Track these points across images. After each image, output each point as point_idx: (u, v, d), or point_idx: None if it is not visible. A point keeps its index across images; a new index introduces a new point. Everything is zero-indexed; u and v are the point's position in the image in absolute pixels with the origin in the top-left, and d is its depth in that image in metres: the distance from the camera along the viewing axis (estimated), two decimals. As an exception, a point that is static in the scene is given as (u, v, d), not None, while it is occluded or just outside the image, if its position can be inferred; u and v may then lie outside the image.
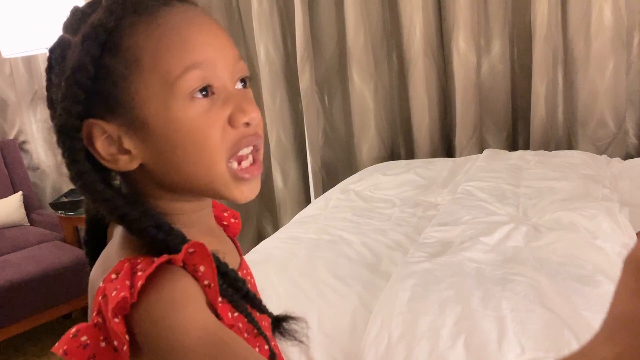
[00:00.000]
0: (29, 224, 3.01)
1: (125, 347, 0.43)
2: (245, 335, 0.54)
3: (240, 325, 0.53)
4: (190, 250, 0.47)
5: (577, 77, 2.29)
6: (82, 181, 0.50)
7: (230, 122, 0.51)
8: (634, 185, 1.83)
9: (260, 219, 3.06)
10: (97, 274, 0.52)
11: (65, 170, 0.52)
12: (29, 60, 3.09)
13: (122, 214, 0.49)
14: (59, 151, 0.51)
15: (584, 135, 2.32)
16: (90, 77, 0.49)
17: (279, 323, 0.62)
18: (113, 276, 0.46)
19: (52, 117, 0.52)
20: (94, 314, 0.46)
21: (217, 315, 0.49)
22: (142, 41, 0.49)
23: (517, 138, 2.53)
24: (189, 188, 0.53)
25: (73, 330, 0.45)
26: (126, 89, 0.49)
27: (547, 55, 2.25)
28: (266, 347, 0.57)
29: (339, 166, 2.82)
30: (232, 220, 0.68)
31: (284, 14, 2.71)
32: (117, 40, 0.49)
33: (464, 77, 2.40)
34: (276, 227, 2.87)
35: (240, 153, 0.52)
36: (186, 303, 0.45)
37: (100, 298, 0.45)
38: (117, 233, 0.54)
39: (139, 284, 0.44)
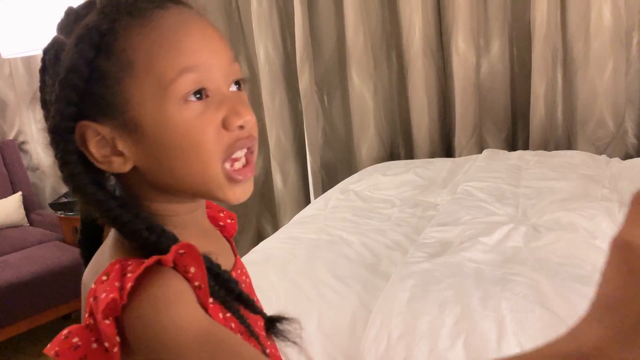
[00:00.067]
0: (28, 224, 3.01)
1: (115, 349, 0.43)
2: (238, 335, 0.54)
3: (233, 325, 0.53)
4: (181, 251, 0.47)
5: (576, 77, 2.29)
6: (74, 183, 0.50)
7: (224, 124, 0.51)
8: (634, 185, 1.83)
9: (260, 219, 3.06)
10: (90, 276, 0.52)
11: None
12: (28, 61, 3.09)
13: (114, 216, 0.49)
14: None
15: (583, 135, 2.32)
16: (83, 79, 0.48)
17: (273, 324, 0.62)
18: (104, 278, 0.46)
19: (46, 118, 0.52)
20: (86, 315, 0.46)
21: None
22: (136, 44, 0.49)
23: (516, 138, 2.53)
24: (182, 189, 0.53)
25: (65, 331, 0.45)
26: (120, 91, 0.49)
27: (547, 56, 2.25)
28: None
29: (338, 166, 2.82)
30: (229, 221, 0.68)
31: (284, 14, 2.71)
32: (111, 42, 0.49)
33: (463, 77, 2.40)
34: (276, 227, 2.87)
35: (234, 156, 0.52)
36: (178, 302, 0.45)
37: (91, 300, 0.45)
38: (110, 234, 0.54)
39: (128, 285, 0.44)
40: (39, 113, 3.34)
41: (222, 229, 0.67)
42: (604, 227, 1.46)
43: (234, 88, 0.54)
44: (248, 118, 0.52)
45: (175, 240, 0.50)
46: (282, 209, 2.84)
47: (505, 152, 2.30)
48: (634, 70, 2.26)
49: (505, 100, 2.45)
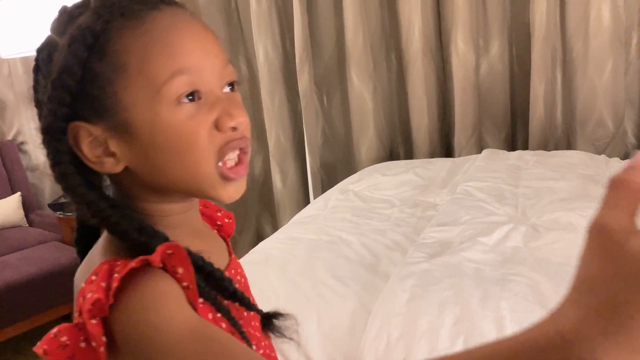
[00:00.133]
0: (27, 224, 3.01)
1: (102, 349, 0.43)
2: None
3: (224, 325, 0.53)
4: (169, 251, 0.47)
5: (575, 77, 2.30)
6: (65, 183, 0.50)
7: (217, 126, 0.51)
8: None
9: (260, 219, 3.06)
10: (81, 275, 0.52)
11: None
12: (27, 61, 3.08)
13: (104, 217, 0.50)
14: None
15: (582, 135, 2.32)
16: (76, 80, 0.49)
17: (269, 320, 0.61)
18: (93, 277, 0.46)
19: (39, 117, 0.52)
20: (76, 314, 0.46)
21: None
22: (129, 45, 0.49)
23: (515, 138, 2.53)
24: (174, 189, 0.53)
25: (54, 330, 0.45)
26: (112, 93, 0.49)
27: (546, 56, 2.25)
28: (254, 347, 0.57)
29: (338, 166, 2.82)
30: (226, 220, 0.68)
31: (283, 14, 2.71)
32: (104, 43, 0.49)
33: (462, 78, 2.40)
34: (275, 227, 2.87)
35: (227, 157, 0.52)
36: (166, 302, 0.45)
37: (81, 299, 0.46)
38: (104, 234, 0.54)
39: (114, 286, 0.44)
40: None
41: (220, 229, 0.67)
42: (603, 227, 1.45)
43: (227, 89, 0.54)
44: (241, 120, 0.52)
45: (166, 240, 0.50)
46: (281, 209, 2.84)
47: (505, 152, 2.30)
48: (634, 70, 2.26)
49: (504, 100, 2.45)
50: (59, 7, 0.53)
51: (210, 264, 0.53)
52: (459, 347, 1.08)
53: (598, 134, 2.28)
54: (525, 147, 2.44)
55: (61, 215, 2.77)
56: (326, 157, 2.81)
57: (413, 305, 1.19)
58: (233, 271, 0.61)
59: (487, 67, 2.45)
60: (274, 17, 2.65)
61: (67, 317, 2.62)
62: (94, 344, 0.44)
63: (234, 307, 0.56)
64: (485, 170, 2.02)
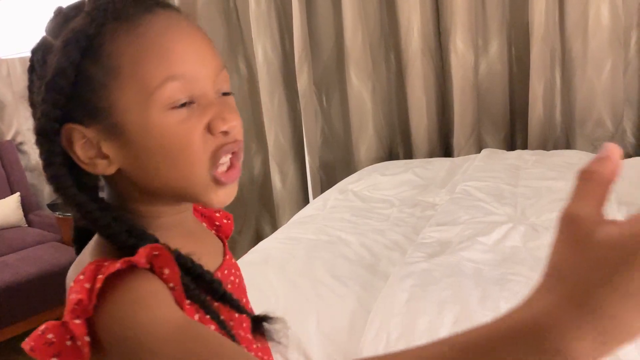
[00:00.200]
0: (26, 225, 3.00)
1: (85, 349, 0.44)
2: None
3: (213, 327, 0.53)
4: (155, 252, 0.48)
5: (574, 77, 2.30)
6: (56, 184, 0.50)
7: (209, 129, 0.51)
8: (632, 184, 1.83)
9: (259, 219, 3.06)
10: (71, 274, 0.53)
11: None
12: (26, 61, 3.06)
13: (93, 219, 0.50)
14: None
15: (581, 134, 2.32)
16: (70, 82, 0.49)
17: (259, 323, 0.61)
18: (81, 277, 0.46)
19: (34, 117, 0.52)
20: (65, 312, 0.46)
21: None
22: (122, 49, 0.49)
23: (515, 138, 2.53)
24: (166, 192, 0.53)
25: (42, 327, 0.45)
26: (105, 96, 0.49)
27: (545, 55, 2.25)
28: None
29: (337, 166, 2.82)
30: (225, 221, 0.68)
31: (282, 14, 2.71)
32: (98, 46, 0.49)
33: (461, 77, 2.40)
34: (275, 227, 2.87)
35: (220, 161, 0.52)
36: (151, 301, 0.45)
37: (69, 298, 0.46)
38: (96, 234, 0.54)
39: (97, 287, 0.44)
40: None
41: (218, 229, 0.67)
42: (602, 226, 1.46)
43: (222, 92, 0.54)
44: (233, 124, 0.52)
45: (155, 242, 0.50)
46: (280, 209, 2.84)
47: (504, 151, 2.30)
48: (632, 70, 2.26)
49: (503, 100, 2.46)
50: (54, 8, 0.54)
51: (200, 266, 0.53)
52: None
53: (597, 134, 2.28)
54: (525, 147, 2.44)
55: (60, 216, 2.77)
56: (325, 157, 2.81)
57: (412, 305, 1.19)
58: (226, 272, 0.61)
59: (486, 67, 2.45)
60: (273, 17, 2.65)
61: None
62: (79, 342, 0.44)
63: (225, 309, 0.56)
64: (484, 170, 2.02)
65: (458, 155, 2.47)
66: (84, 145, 0.51)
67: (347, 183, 2.22)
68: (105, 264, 0.47)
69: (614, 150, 0.32)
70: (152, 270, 0.48)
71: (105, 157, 0.51)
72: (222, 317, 0.54)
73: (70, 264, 0.55)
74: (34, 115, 0.52)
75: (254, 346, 0.60)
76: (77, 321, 0.44)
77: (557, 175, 1.87)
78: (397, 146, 2.72)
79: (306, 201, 2.82)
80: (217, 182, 0.52)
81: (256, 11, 2.61)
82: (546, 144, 2.34)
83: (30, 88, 0.54)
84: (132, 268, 0.46)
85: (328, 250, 1.55)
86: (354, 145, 2.68)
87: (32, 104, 0.53)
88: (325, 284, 1.36)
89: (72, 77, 0.49)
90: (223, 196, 0.53)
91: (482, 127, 2.51)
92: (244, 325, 0.59)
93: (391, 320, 1.16)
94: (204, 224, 0.67)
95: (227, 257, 0.62)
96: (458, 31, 2.36)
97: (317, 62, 2.70)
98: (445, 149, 2.63)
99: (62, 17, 0.52)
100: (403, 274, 1.31)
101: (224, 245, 0.65)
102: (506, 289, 1.19)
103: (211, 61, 0.52)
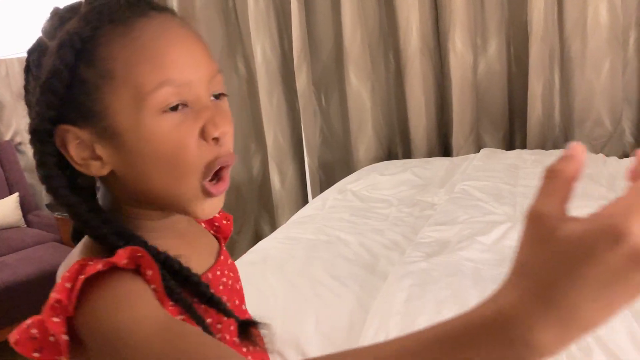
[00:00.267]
0: (25, 225, 3.00)
1: (63, 347, 0.44)
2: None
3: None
4: (139, 254, 0.48)
5: (573, 76, 2.30)
6: (48, 184, 0.51)
7: (202, 134, 0.51)
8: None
9: (258, 219, 3.06)
10: (60, 272, 0.53)
11: None
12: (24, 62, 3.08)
13: (83, 220, 0.50)
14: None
15: (580, 134, 2.32)
16: (64, 84, 0.49)
17: (246, 328, 0.61)
18: (67, 274, 0.46)
19: (29, 116, 0.53)
20: None
21: None
22: (116, 52, 0.49)
23: (513, 137, 2.53)
24: (153, 198, 0.53)
25: (28, 321, 0.45)
26: (99, 99, 0.49)
27: (544, 55, 2.25)
28: None
29: (336, 166, 2.82)
30: (224, 222, 0.68)
31: (281, 14, 2.71)
32: (92, 49, 0.49)
33: (460, 77, 2.40)
34: (274, 227, 2.87)
35: (213, 173, 0.52)
36: (133, 300, 0.46)
37: None
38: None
39: (77, 288, 0.44)
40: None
41: (218, 230, 0.67)
42: (601, 226, 1.46)
43: (214, 96, 0.54)
44: (225, 130, 0.52)
45: (144, 244, 0.50)
46: (279, 209, 2.84)
47: (503, 151, 2.30)
48: (631, 69, 2.27)
49: (502, 99, 2.46)
50: (52, 8, 0.54)
51: (187, 269, 0.53)
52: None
53: (596, 133, 2.28)
54: (523, 146, 2.44)
55: (59, 216, 2.77)
56: (324, 156, 2.81)
57: (411, 305, 1.19)
58: (218, 272, 0.60)
59: (485, 67, 2.45)
60: (272, 16, 2.65)
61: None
62: (57, 339, 0.44)
63: (213, 312, 0.56)
64: (483, 170, 2.02)
65: (457, 155, 2.47)
66: (78, 146, 0.51)
67: (346, 183, 2.22)
68: (90, 263, 0.47)
69: (578, 149, 0.33)
70: (137, 270, 0.48)
71: (98, 158, 0.51)
72: (208, 320, 0.54)
73: (68, 264, 0.55)
74: (30, 115, 0.52)
75: (244, 349, 0.59)
76: (56, 319, 0.44)
77: (555, 175, 1.87)
78: (396, 146, 2.72)
79: (305, 201, 2.82)
80: (207, 193, 0.52)
81: (255, 11, 2.61)
82: (545, 144, 2.34)
83: (26, 88, 0.54)
84: (115, 269, 0.46)
85: (327, 250, 1.55)
86: (353, 145, 2.68)
87: (28, 104, 0.54)
88: (324, 284, 1.36)
89: (66, 79, 0.49)
90: (208, 208, 0.54)
91: (481, 127, 2.51)
92: (231, 328, 0.59)
93: (390, 320, 1.16)
94: (202, 224, 0.67)
95: (222, 258, 0.62)
96: (457, 31, 2.36)
97: (316, 61, 2.70)
98: (444, 148, 2.63)
99: (57, 19, 0.52)
100: (402, 274, 1.31)
101: (220, 245, 0.64)
102: (505, 289, 1.19)
103: (205, 66, 0.52)
